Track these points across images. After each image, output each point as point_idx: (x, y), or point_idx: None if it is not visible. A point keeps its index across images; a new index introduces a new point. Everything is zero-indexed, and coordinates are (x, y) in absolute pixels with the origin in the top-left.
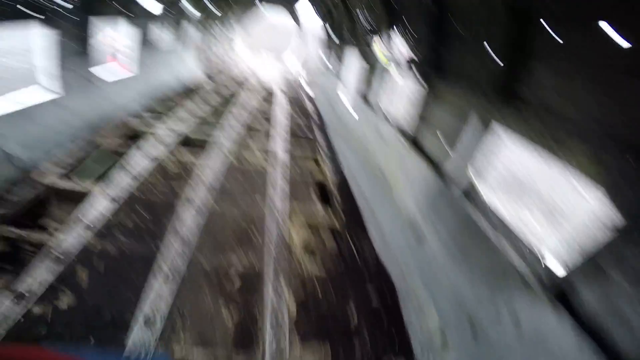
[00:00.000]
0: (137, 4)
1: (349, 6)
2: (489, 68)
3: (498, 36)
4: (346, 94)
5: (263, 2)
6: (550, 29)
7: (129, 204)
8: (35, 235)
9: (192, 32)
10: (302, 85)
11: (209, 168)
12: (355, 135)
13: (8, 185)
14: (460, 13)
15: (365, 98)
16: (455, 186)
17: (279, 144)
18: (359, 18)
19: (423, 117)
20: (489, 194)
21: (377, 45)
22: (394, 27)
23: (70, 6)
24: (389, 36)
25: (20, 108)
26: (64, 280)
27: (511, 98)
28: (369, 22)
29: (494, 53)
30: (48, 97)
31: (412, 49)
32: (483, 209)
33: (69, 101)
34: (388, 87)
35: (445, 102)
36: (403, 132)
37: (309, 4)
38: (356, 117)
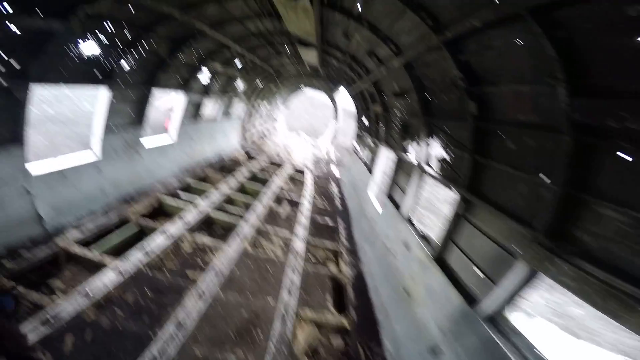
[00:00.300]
0: (197, 79)
1: (387, 106)
2: (544, 205)
3: (558, 166)
4: (374, 187)
5: (307, 87)
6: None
7: (135, 279)
8: (35, 295)
9: (239, 108)
10: (332, 169)
11: (223, 252)
12: (378, 232)
13: (28, 242)
14: (514, 135)
15: (392, 198)
16: (482, 310)
17: (299, 232)
18: (396, 120)
19: (454, 235)
20: (523, 322)
21: (412, 151)
22: (433, 136)
23: (136, 76)
24: (427, 144)
25: (62, 169)
26: (48, 343)
27: (568, 244)
28: (406, 126)
29: (552, 188)
30: (92, 162)
31: (450, 163)
32: (509, 336)
33: (111, 168)
34: (418, 194)
35: (482, 227)
36: (429, 244)
37: (348, 95)
38: (380, 211)
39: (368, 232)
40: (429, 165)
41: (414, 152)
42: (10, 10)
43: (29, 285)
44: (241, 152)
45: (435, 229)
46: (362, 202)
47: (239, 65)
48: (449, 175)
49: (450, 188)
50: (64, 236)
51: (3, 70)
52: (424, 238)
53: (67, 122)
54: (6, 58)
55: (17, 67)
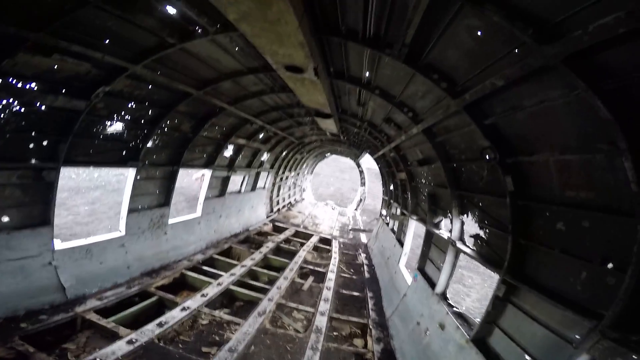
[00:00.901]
0: (222, 155)
1: (413, 174)
2: (611, 294)
3: (626, 253)
4: (404, 259)
5: (331, 153)
6: None
7: (147, 350)
8: (42, 356)
9: (266, 179)
10: (359, 235)
11: (241, 328)
12: (409, 307)
13: (48, 308)
14: (565, 216)
15: (425, 272)
16: None
17: (323, 306)
18: (423, 190)
19: (497, 317)
20: None
21: (444, 225)
22: (467, 212)
23: (162, 155)
24: (460, 220)
25: (90, 243)
26: None
27: None
28: (434, 197)
29: (620, 275)
30: (117, 237)
31: (488, 241)
32: None
33: (135, 244)
34: (453, 271)
35: (530, 311)
36: (468, 324)
37: (374, 162)
38: (411, 285)
39: (399, 306)
40: (464, 243)
41: (446, 227)
42: (35, 88)
43: (42, 347)
44: (268, 223)
45: (473, 306)
46: (391, 272)
47: (263, 138)
48: (487, 254)
49: (488, 267)
50: (84, 304)
51: (34, 153)
52: (461, 317)
53: (110, 190)
54: (36, 139)
55: (47, 149)
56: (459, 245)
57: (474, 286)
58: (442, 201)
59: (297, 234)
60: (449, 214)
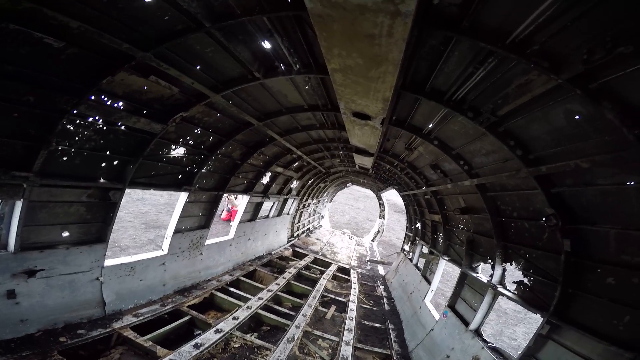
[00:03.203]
0: (260, 183)
1: (448, 218)
2: None
3: None
4: (430, 294)
5: (354, 184)
6: None
7: None
8: None
9: (291, 206)
10: (377, 267)
11: (271, 353)
12: (438, 343)
13: (87, 322)
14: (618, 274)
15: (456, 310)
16: None
17: (346, 335)
18: (460, 235)
19: (534, 351)
20: None
21: (482, 269)
22: (511, 261)
23: (211, 181)
24: (502, 266)
25: (134, 260)
26: None
27: None
28: (472, 242)
29: None
30: (159, 256)
31: (531, 287)
32: None
33: (174, 263)
34: (488, 309)
35: (575, 348)
36: (504, 358)
37: (393, 195)
38: (439, 320)
39: (425, 339)
40: (505, 287)
41: (484, 271)
42: (122, 108)
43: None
44: (288, 248)
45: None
46: (415, 307)
47: (296, 166)
48: (530, 298)
49: (533, 312)
50: (120, 320)
51: (104, 172)
52: (497, 352)
53: (135, 199)
54: (109, 159)
55: (116, 169)
56: (500, 288)
57: (488, 322)
58: (481, 247)
59: (316, 261)
60: (490, 260)
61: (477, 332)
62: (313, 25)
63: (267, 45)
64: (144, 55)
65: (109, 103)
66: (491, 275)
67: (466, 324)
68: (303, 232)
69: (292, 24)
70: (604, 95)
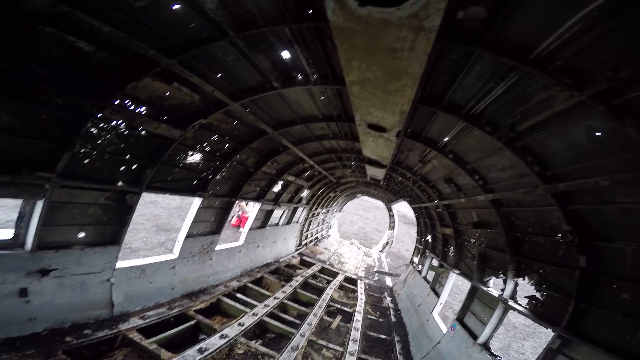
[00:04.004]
0: (272, 191)
1: (460, 232)
2: None
3: None
4: (439, 307)
5: (364, 195)
6: None
7: None
8: None
9: (300, 214)
10: (384, 278)
11: (272, 359)
12: (444, 356)
13: (94, 322)
14: (633, 290)
15: (465, 324)
16: None
17: (351, 346)
18: (471, 249)
19: None
20: None
21: (493, 283)
22: (523, 275)
23: (224, 187)
24: (514, 281)
25: (145, 263)
26: None
27: None
28: (484, 257)
29: None
30: (170, 259)
31: (543, 301)
32: None
33: (184, 267)
34: (498, 323)
35: None
36: None
37: (404, 207)
38: (446, 333)
39: (431, 352)
40: (516, 302)
41: (495, 285)
42: (144, 113)
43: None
44: (296, 256)
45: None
46: (422, 319)
47: (307, 175)
48: (542, 313)
49: (545, 327)
50: (127, 322)
51: (123, 176)
52: None
53: (147, 201)
54: (128, 162)
55: (134, 173)
56: (511, 303)
57: (496, 336)
58: (493, 262)
59: (323, 270)
60: (502, 275)
61: (485, 346)
62: (334, 37)
63: (286, 55)
64: (169, 62)
65: (132, 108)
66: (502, 290)
67: (474, 337)
68: (311, 241)
69: (312, 35)
70: (627, 112)
